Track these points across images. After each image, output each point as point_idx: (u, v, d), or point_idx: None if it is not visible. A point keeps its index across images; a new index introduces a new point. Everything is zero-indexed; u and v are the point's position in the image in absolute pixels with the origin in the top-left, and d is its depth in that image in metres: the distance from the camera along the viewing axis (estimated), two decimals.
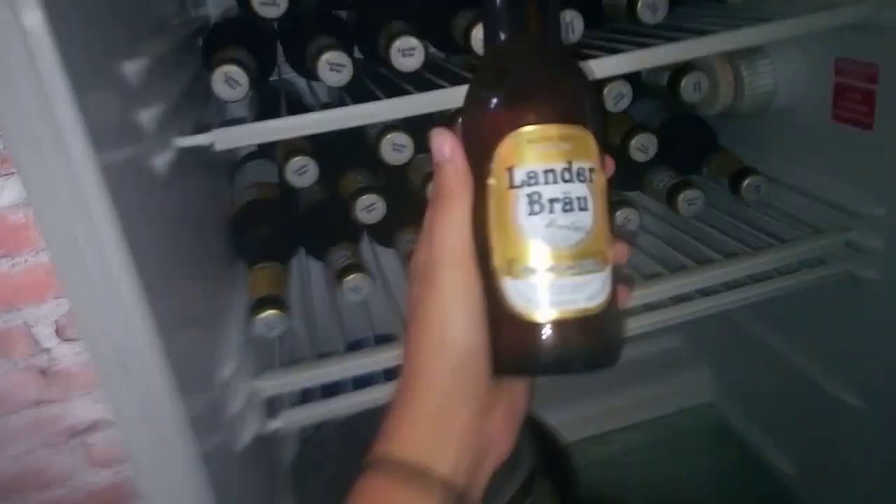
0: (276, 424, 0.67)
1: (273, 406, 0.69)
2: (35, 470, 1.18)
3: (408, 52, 0.67)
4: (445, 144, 0.36)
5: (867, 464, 0.88)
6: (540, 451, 0.82)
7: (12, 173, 0.97)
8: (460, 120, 0.38)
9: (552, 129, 0.34)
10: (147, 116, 0.53)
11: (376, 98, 0.66)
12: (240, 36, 0.73)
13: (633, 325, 0.77)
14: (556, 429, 1.10)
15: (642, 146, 0.83)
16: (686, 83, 0.79)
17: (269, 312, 0.67)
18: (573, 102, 0.36)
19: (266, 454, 0.78)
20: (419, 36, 0.68)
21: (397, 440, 0.36)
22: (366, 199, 0.76)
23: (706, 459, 1.15)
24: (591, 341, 0.36)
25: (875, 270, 0.80)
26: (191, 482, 0.49)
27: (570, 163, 0.34)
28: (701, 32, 0.69)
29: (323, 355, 0.72)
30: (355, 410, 0.70)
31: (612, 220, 0.37)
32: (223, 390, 0.62)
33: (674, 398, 1.23)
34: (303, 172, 0.73)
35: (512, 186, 0.34)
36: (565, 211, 0.34)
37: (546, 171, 0.34)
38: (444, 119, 0.79)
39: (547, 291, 0.34)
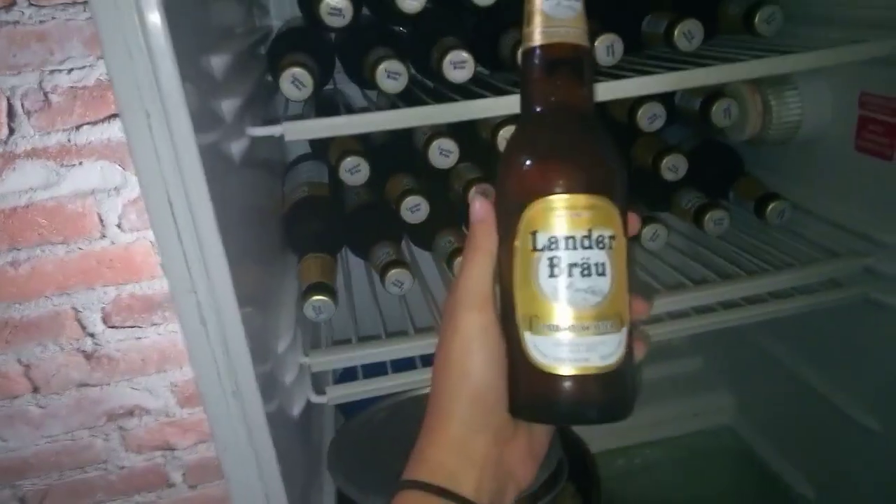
0: (323, 398, 0.72)
1: (318, 383, 0.74)
2: (72, 450, 1.24)
3: (459, 65, 0.73)
4: (479, 206, 0.41)
5: (885, 487, 0.90)
6: (566, 452, 0.85)
7: (74, 165, 1.04)
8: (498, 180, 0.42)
9: (575, 199, 0.37)
10: (227, 106, 0.59)
11: (427, 104, 0.72)
12: (303, 44, 0.79)
13: (658, 332, 0.81)
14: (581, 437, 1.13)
15: (673, 166, 0.87)
16: (717, 108, 0.84)
17: (320, 297, 0.73)
18: (597, 174, 0.38)
19: (309, 430, 0.83)
20: (472, 55, 0.73)
21: (426, 463, 0.41)
22: (412, 200, 0.82)
23: (725, 480, 1.17)
24: (603, 397, 0.38)
25: (893, 295, 0.83)
26: (258, 436, 0.55)
27: (590, 231, 0.37)
28: (732, 60, 0.74)
29: (364, 339, 0.77)
30: (394, 391, 0.75)
31: (631, 281, 0.40)
32: (280, 362, 0.68)
33: (695, 419, 1.25)
34: (356, 171, 0.78)
35: (535, 249, 0.37)
36: (583, 276, 0.37)
37: (567, 238, 0.37)
38: (486, 129, 0.85)
39: (562, 349, 0.37)
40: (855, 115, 0.84)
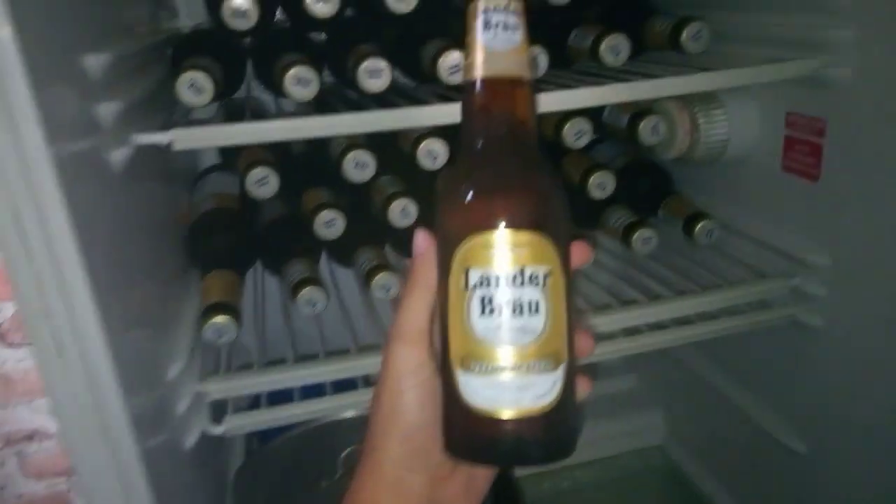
0: (219, 429, 0.66)
1: (222, 410, 0.69)
2: None
3: (375, 74, 0.69)
4: (420, 239, 0.40)
5: None
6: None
7: None
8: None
9: (507, 236, 0.36)
10: (106, 110, 0.54)
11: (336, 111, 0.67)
12: (209, 47, 0.74)
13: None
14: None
15: (601, 184, 0.85)
16: (644, 126, 0.82)
17: (220, 318, 0.67)
18: (532, 210, 0.37)
19: (213, 460, 0.77)
20: (389, 62, 0.69)
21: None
22: (326, 214, 0.77)
23: (655, 501, 1.15)
24: (539, 438, 0.36)
25: (819, 317, 0.82)
26: (130, 477, 0.49)
27: (523, 268, 0.36)
28: (657, 76, 0.72)
29: (271, 363, 0.71)
30: (301, 419, 0.70)
31: (573, 317, 0.38)
32: (170, 390, 0.62)
33: (626, 439, 1.23)
34: (263, 184, 0.73)
35: (467, 287, 0.36)
36: (515, 315, 0.35)
37: (499, 276, 0.35)
38: (407, 142, 0.81)
39: (494, 390, 0.36)
40: (781, 135, 0.83)
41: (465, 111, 0.39)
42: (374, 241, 0.85)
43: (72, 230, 0.43)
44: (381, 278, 0.78)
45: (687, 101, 0.88)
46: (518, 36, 0.37)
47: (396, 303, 0.43)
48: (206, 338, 0.67)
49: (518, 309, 0.35)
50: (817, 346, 0.83)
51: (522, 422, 0.36)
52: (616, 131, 0.88)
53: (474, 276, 0.36)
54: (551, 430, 0.37)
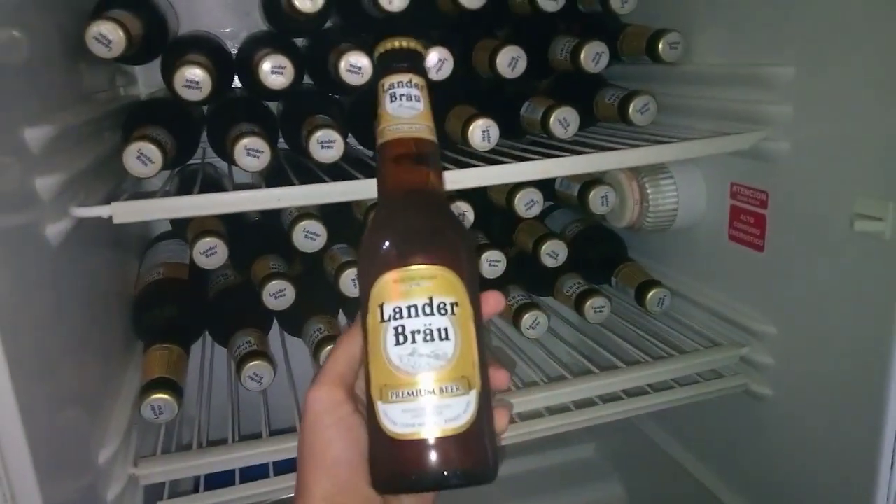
0: None
1: (159, 494, 0.65)
2: None
3: (327, 145, 0.69)
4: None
5: None
6: None
7: None
8: None
9: (414, 271, 0.39)
10: (44, 184, 0.52)
11: (291, 184, 0.67)
12: (162, 115, 0.73)
13: (538, 428, 0.77)
14: None
15: (552, 252, 0.85)
16: (594, 196, 0.83)
17: (158, 396, 0.64)
18: (436, 248, 0.40)
19: None
20: (344, 131, 0.70)
21: None
22: (275, 285, 0.75)
23: None
24: (458, 460, 0.38)
25: (768, 387, 0.82)
26: None
27: (431, 298, 0.39)
28: (605, 148, 0.74)
29: (213, 443, 0.68)
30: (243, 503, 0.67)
31: (484, 349, 0.41)
32: (100, 475, 0.58)
33: None
34: (211, 254, 0.72)
35: (382, 320, 0.39)
36: (426, 341, 0.38)
37: (409, 306, 0.39)
38: (359, 208, 0.81)
39: (410, 414, 0.38)
40: (727, 205, 0.85)
41: (378, 170, 0.45)
42: (325, 311, 0.84)
43: None
44: (330, 349, 0.76)
45: (636, 171, 0.90)
46: (420, 105, 0.44)
47: None
48: (143, 416, 0.64)
49: (429, 335, 0.38)
50: (768, 416, 0.84)
51: (439, 444, 0.38)
52: (568, 200, 0.90)
53: (388, 310, 0.39)
54: (469, 452, 0.38)
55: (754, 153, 0.77)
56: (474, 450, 0.39)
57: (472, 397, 0.38)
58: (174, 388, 0.66)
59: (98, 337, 0.68)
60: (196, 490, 0.67)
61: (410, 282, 0.39)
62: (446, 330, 0.38)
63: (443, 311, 0.39)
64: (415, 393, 0.38)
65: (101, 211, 0.56)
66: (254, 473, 0.68)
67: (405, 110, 0.43)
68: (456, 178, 0.68)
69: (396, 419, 0.38)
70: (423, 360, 0.38)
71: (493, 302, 0.43)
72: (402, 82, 0.43)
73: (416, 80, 0.44)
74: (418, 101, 0.43)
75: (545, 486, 1.19)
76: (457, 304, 0.39)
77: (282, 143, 0.85)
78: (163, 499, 0.64)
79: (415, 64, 0.44)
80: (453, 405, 0.38)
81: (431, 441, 0.37)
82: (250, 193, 0.64)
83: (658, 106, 0.78)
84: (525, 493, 1.14)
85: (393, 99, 0.43)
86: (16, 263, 0.47)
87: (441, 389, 0.38)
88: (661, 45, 0.78)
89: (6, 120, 0.49)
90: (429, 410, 0.38)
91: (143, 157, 0.62)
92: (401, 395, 0.38)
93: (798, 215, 0.75)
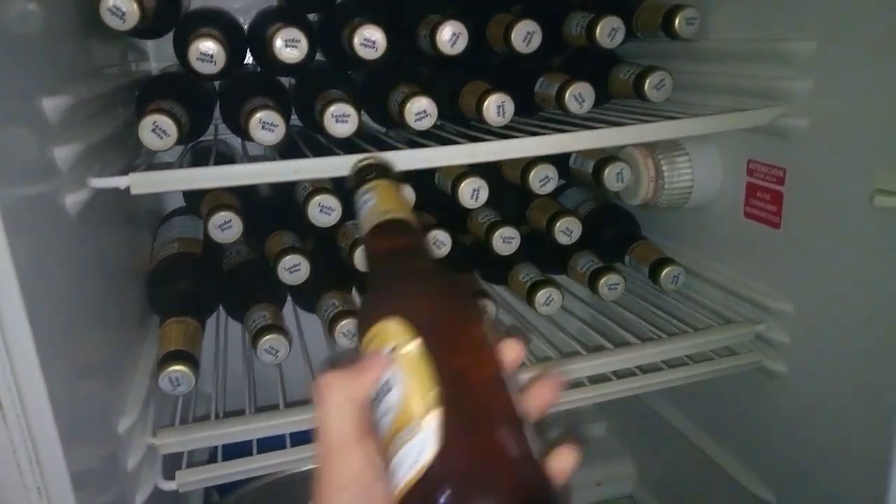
0: (172, 485, 0.63)
1: (178, 463, 0.66)
2: None
3: (342, 119, 0.69)
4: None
5: None
6: None
7: None
8: None
9: (366, 341, 0.39)
10: (62, 154, 0.52)
11: (304, 156, 0.67)
12: (175, 89, 0.73)
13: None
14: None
15: (566, 230, 0.85)
16: (609, 172, 0.83)
17: (176, 367, 0.65)
18: (383, 303, 0.40)
19: None
20: (357, 107, 0.69)
21: None
22: (290, 259, 0.76)
23: None
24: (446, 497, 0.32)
25: (784, 364, 0.82)
26: None
27: (391, 351, 0.37)
28: (620, 124, 0.73)
29: (230, 414, 0.69)
30: (258, 474, 0.67)
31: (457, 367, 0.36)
32: (120, 444, 0.59)
33: (596, 488, 1.21)
34: (226, 228, 0.72)
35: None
36: (380, 402, 0.36)
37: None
38: None
39: (393, 475, 0.34)
40: (743, 182, 0.84)
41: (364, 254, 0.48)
42: (339, 286, 0.84)
43: (16, 275, 0.41)
44: (344, 325, 0.77)
45: (651, 148, 0.89)
46: (374, 201, 0.48)
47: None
48: (161, 388, 0.64)
49: (380, 396, 0.36)
50: (783, 394, 0.83)
51: (415, 488, 0.33)
52: (582, 177, 0.89)
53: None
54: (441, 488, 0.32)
55: (772, 129, 0.76)
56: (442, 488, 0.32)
57: (427, 432, 0.33)
58: (191, 360, 0.67)
59: (115, 309, 0.68)
60: (213, 460, 0.68)
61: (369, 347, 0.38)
62: (389, 381, 0.36)
63: (390, 362, 0.36)
64: (389, 452, 0.35)
65: (119, 181, 0.57)
66: (270, 445, 0.69)
67: (373, 206, 0.48)
68: (473, 152, 0.68)
69: (396, 474, 0.34)
70: (383, 421, 0.36)
71: (513, 352, 0.38)
72: (368, 189, 0.49)
73: (378, 184, 0.49)
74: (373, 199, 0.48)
75: None
76: (396, 347, 0.37)
77: (294, 120, 0.85)
78: (181, 467, 0.65)
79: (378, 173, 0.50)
80: (410, 452, 0.33)
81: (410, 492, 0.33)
82: (267, 165, 0.64)
83: (674, 83, 0.78)
84: None
85: (365, 205, 0.48)
86: (37, 232, 0.47)
87: (396, 442, 0.34)
88: (677, 21, 0.76)
89: (25, 88, 0.49)
90: (398, 465, 0.34)
91: (158, 130, 0.62)
92: (385, 457, 0.35)
93: (816, 191, 0.74)
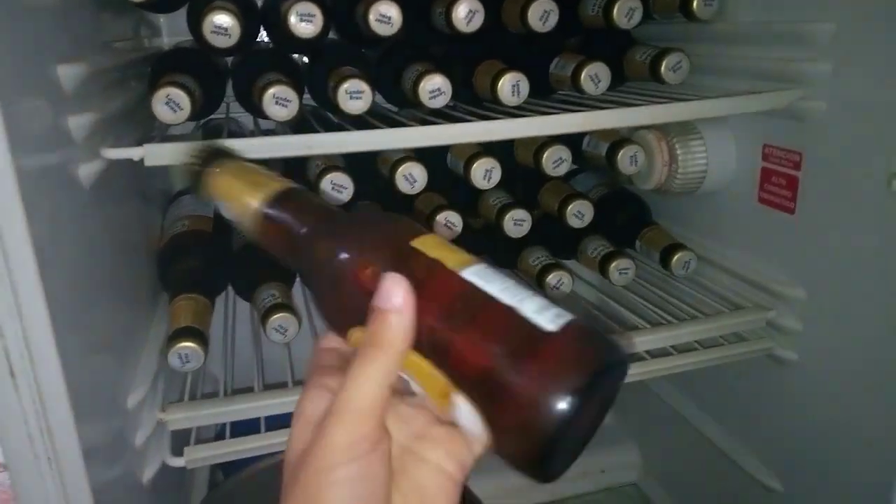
0: (180, 461, 0.63)
1: (185, 440, 0.66)
2: None
3: (356, 95, 0.68)
4: (397, 291, 0.31)
5: None
6: None
7: None
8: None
9: None
10: (76, 123, 0.52)
11: (316, 132, 0.66)
12: (189, 64, 0.73)
13: None
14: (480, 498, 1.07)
15: (578, 213, 0.85)
16: (623, 155, 0.82)
17: (185, 344, 0.65)
18: None
19: (175, 492, 0.73)
20: (371, 86, 0.69)
21: None
22: None
23: None
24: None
25: (794, 351, 0.81)
26: None
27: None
28: (635, 105, 0.73)
29: (238, 392, 0.69)
30: (266, 452, 0.67)
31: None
32: (129, 419, 0.59)
33: (601, 476, 1.21)
34: None
35: None
36: None
37: None
38: (385, 164, 0.80)
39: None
40: (758, 167, 0.84)
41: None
42: None
43: (31, 245, 0.41)
44: None
45: (665, 131, 0.89)
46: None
47: None
48: (170, 364, 0.64)
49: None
50: (792, 381, 0.83)
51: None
52: (595, 160, 0.88)
53: None
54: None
55: (788, 113, 0.75)
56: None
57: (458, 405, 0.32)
58: (200, 336, 0.66)
59: (126, 283, 0.68)
60: (220, 438, 0.68)
61: None
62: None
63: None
64: None
65: (133, 152, 0.56)
66: (278, 422, 0.69)
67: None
68: (489, 130, 0.67)
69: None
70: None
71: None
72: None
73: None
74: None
75: None
76: None
77: (306, 101, 0.85)
78: (189, 445, 0.65)
79: None
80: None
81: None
82: (281, 139, 0.63)
83: (690, 66, 0.77)
84: None
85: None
86: (52, 202, 0.47)
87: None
88: (694, 2, 0.76)
89: (40, 55, 0.48)
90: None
91: (171, 104, 0.62)
92: None
93: (832, 176, 0.73)
